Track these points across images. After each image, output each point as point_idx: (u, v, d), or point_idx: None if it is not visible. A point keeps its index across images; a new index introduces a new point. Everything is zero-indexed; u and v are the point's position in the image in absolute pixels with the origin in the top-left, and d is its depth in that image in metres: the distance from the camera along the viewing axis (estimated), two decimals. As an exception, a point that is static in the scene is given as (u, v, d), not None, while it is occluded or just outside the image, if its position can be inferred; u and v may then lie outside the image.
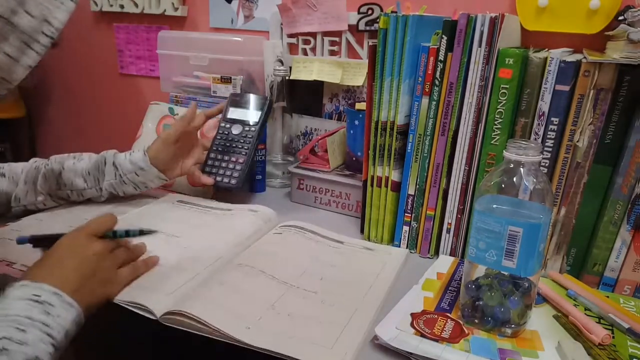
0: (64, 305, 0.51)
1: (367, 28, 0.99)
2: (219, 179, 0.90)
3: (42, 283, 0.52)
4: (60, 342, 0.50)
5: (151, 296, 0.60)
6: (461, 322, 0.61)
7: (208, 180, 0.89)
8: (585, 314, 0.63)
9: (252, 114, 0.94)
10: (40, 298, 0.50)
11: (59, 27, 0.49)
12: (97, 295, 0.57)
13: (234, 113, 0.95)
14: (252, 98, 0.95)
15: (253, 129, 0.92)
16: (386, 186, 0.82)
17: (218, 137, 0.94)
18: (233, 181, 0.89)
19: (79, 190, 0.85)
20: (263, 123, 0.94)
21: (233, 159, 0.91)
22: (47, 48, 0.49)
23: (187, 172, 0.90)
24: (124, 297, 0.60)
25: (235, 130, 0.93)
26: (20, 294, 0.51)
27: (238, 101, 0.96)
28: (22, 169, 0.84)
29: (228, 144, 0.92)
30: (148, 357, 0.85)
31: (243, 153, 0.91)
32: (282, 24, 1.09)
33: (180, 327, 0.57)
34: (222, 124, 0.94)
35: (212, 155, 0.93)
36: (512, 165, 0.57)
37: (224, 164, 0.91)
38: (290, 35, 1.08)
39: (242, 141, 0.92)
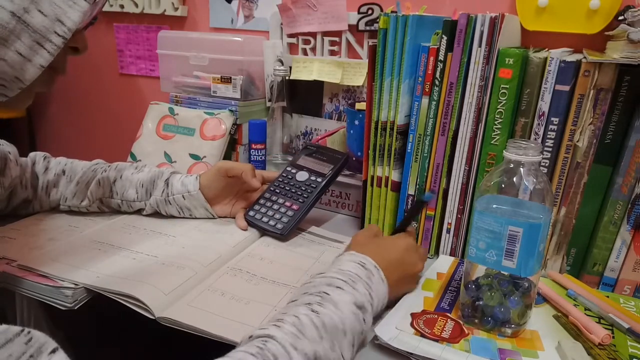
0: (380, 278, 0.60)
1: (367, 28, 0.99)
2: (265, 219, 0.82)
3: (366, 256, 0.61)
4: (374, 306, 0.57)
5: (151, 294, 0.60)
6: (461, 322, 0.61)
7: (242, 224, 0.83)
8: (585, 314, 0.63)
9: (323, 166, 0.87)
10: (365, 265, 0.60)
11: (71, 27, 0.48)
12: (401, 288, 0.66)
13: (304, 161, 0.89)
14: (329, 152, 0.90)
15: (320, 179, 0.85)
16: (386, 186, 0.82)
17: (279, 179, 0.87)
18: (279, 226, 0.80)
19: (129, 201, 0.83)
20: (333, 177, 0.86)
21: (288, 203, 0.83)
22: (59, 48, 0.48)
23: (234, 214, 0.86)
24: (123, 290, 0.60)
25: (301, 177, 0.86)
26: (351, 258, 0.61)
27: (313, 152, 0.90)
28: (82, 168, 0.84)
29: (288, 188, 0.85)
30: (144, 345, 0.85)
31: (300, 200, 0.83)
32: (282, 24, 1.08)
33: (176, 327, 0.57)
34: (289, 168, 0.88)
35: (267, 195, 0.86)
36: (512, 165, 0.57)
37: (275, 206, 0.83)
38: (290, 35, 1.08)
39: (304, 189, 0.84)
